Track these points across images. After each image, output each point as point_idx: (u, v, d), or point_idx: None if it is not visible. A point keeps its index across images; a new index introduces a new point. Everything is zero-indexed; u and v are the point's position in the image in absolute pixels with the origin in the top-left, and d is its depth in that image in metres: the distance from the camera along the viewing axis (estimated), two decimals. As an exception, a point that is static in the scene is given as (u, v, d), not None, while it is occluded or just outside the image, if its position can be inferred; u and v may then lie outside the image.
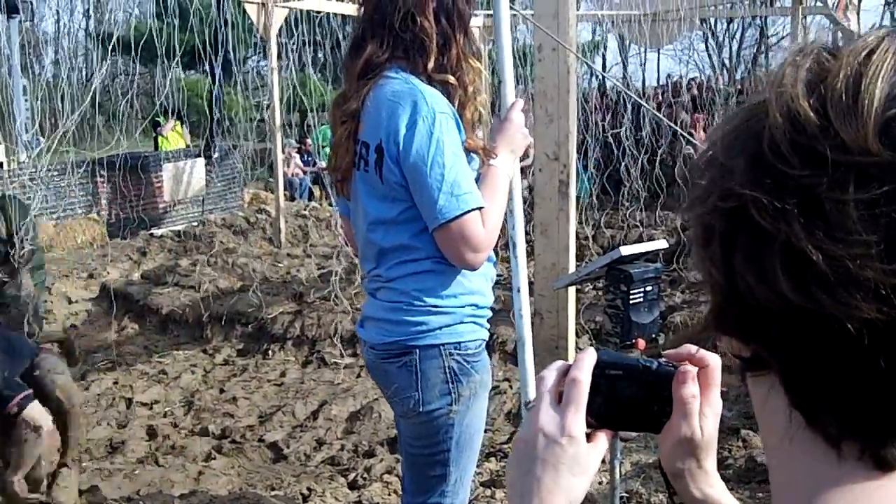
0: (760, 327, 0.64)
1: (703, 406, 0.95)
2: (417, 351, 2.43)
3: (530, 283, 6.76)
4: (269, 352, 7.56)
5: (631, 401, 0.96)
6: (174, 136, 14.52)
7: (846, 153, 0.57)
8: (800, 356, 0.62)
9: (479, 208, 2.32)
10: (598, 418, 0.95)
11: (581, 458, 0.92)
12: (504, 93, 2.73)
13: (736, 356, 0.70)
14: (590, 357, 0.96)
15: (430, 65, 2.35)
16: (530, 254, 8.34)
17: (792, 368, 0.64)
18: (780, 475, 0.71)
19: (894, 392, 0.60)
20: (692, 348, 0.95)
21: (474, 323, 2.50)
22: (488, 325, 2.60)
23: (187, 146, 14.43)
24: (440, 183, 2.26)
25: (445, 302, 2.43)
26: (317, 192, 15.65)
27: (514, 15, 3.18)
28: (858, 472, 0.64)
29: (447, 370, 2.44)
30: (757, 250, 0.61)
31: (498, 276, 2.76)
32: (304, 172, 15.67)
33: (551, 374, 0.97)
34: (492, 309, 2.61)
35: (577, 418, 0.93)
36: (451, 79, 2.38)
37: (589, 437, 0.94)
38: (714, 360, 0.95)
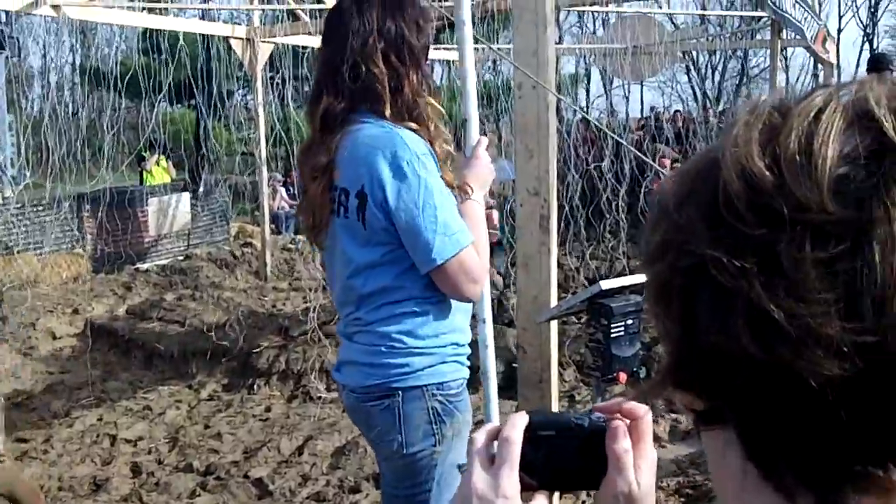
0: (720, 382, 0.64)
1: (637, 459, 0.95)
2: (400, 393, 2.42)
3: (511, 320, 6.76)
4: (255, 386, 7.53)
5: (567, 460, 0.95)
6: (159, 171, 14.54)
7: (802, 211, 0.58)
8: (759, 410, 0.63)
9: (471, 242, 2.36)
10: (536, 479, 0.95)
11: None
12: (469, 129, 2.74)
13: (691, 410, 0.70)
14: (521, 418, 0.95)
15: (387, 112, 2.35)
16: (511, 287, 8.35)
17: (750, 422, 0.64)
18: None
19: (852, 445, 0.60)
20: (621, 401, 0.95)
21: (456, 361, 2.50)
22: (468, 363, 2.60)
23: (172, 180, 14.44)
24: (434, 225, 2.28)
25: (427, 342, 2.42)
26: (303, 225, 15.64)
27: (495, 51, 3.20)
28: None
29: (430, 411, 2.43)
30: (718, 307, 0.61)
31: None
32: (290, 206, 15.70)
33: (481, 436, 0.97)
34: (471, 345, 2.62)
35: (511, 478, 0.92)
36: (413, 125, 2.38)
37: (526, 499, 0.94)
38: (644, 412, 0.95)
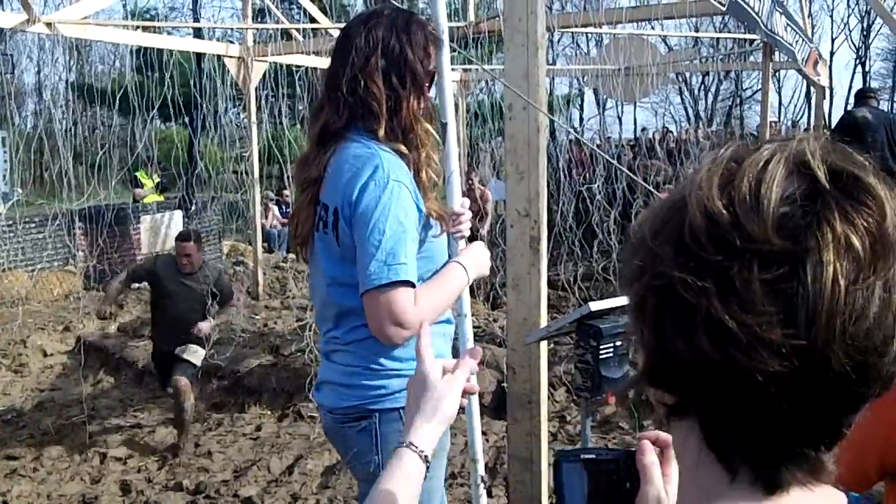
0: (685, 381, 0.80)
1: (664, 475, 1.09)
2: (377, 414, 2.42)
3: (502, 340, 6.75)
4: (245, 405, 7.52)
5: (609, 488, 1.05)
6: (151, 196, 14.51)
7: (751, 242, 0.73)
8: (716, 403, 0.78)
9: (411, 284, 2.26)
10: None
11: None
12: (448, 133, 2.72)
13: (662, 403, 0.85)
14: (467, 362, 1.18)
15: (381, 132, 2.35)
16: (500, 306, 8.33)
17: (709, 413, 0.81)
18: (684, 497, 0.88)
19: (791, 430, 0.77)
20: (658, 432, 1.10)
21: None
22: None
23: (165, 198, 14.42)
24: (376, 249, 2.23)
25: (404, 365, 2.41)
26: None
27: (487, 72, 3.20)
28: (748, 493, 0.80)
29: None
30: (684, 319, 0.76)
31: (475, 327, 2.77)
32: (283, 224, 15.69)
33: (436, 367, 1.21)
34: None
35: None
36: (403, 148, 2.37)
37: None
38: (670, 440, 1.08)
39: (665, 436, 1.08)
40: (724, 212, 0.75)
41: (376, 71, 2.35)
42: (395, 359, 2.42)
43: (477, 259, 2.58)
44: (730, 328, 0.73)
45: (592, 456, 1.05)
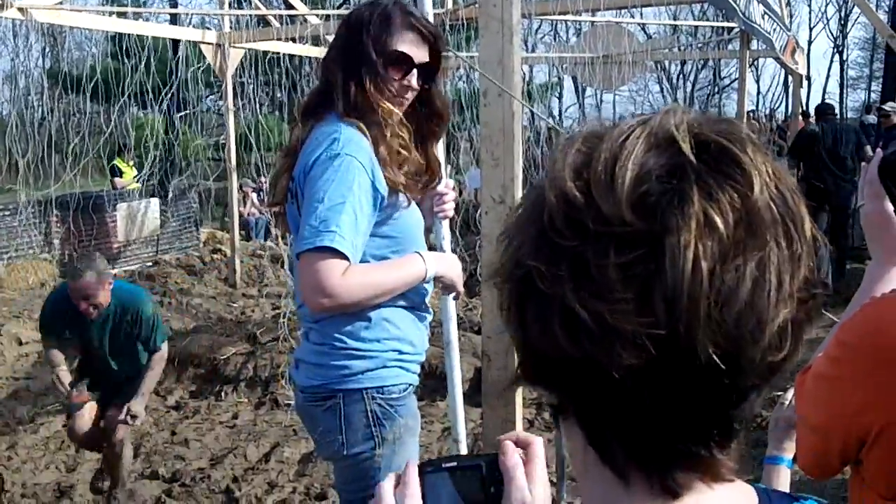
0: (555, 376, 0.75)
1: (528, 476, 0.98)
2: (341, 395, 2.44)
3: (478, 327, 6.74)
4: (222, 393, 7.50)
5: (470, 491, 0.98)
6: (129, 173, 14.43)
7: (606, 224, 0.68)
8: (587, 400, 0.73)
9: (340, 253, 2.22)
10: None
11: None
12: None
13: (548, 403, 0.81)
14: (413, 467, 0.99)
15: (340, 109, 2.42)
16: (478, 294, 8.37)
17: (583, 410, 0.75)
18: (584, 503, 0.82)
19: (665, 426, 0.71)
20: (518, 432, 1.02)
21: (399, 367, 2.51)
22: (418, 370, 2.61)
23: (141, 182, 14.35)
24: (313, 215, 2.23)
25: (368, 346, 2.44)
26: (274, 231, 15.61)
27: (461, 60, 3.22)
28: (646, 500, 0.74)
29: (370, 414, 2.45)
30: (541, 311, 0.71)
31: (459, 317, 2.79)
32: (261, 212, 15.63)
33: (388, 485, 0.99)
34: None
35: None
36: (361, 125, 2.41)
37: None
38: (535, 440, 0.99)
39: (525, 435, 1.01)
40: (579, 193, 0.70)
41: (336, 57, 2.49)
42: (358, 339, 2.44)
43: (445, 260, 2.63)
44: (582, 318, 0.67)
45: (454, 464, 0.98)
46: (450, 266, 2.63)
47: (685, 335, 0.66)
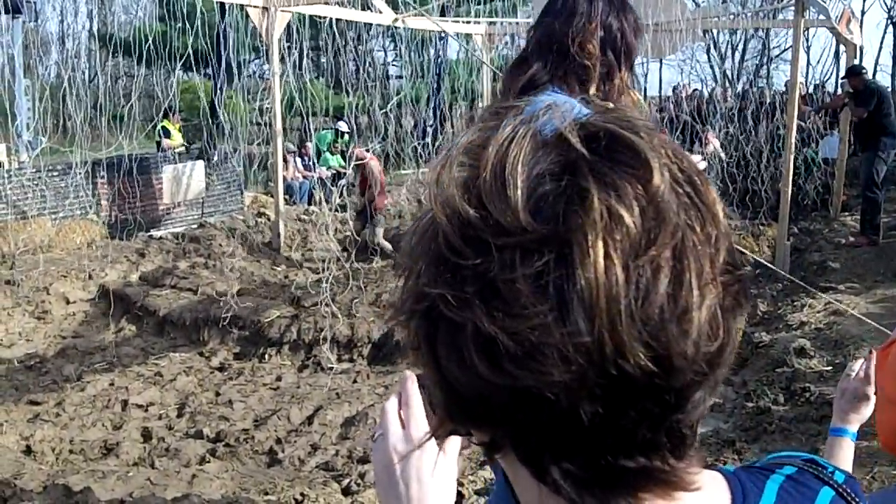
0: (483, 412, 0.66)
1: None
2: None
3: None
4: (266, 356, 7.56)
5: None
6: (175, 133, 14.53)
7: (507, 235, 0.62)
8: (521, 430, 0.65)
9: None
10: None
11: (439, 463, 0.97)
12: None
13: (479, 443, 0.72)
14: (412, 380, 0.99)
15: (592, 91, 2.35)
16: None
17: (520, 442, 0.67)
18: None
19: (610, 443, 0.64)
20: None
21: None
22: None
23: (188, 150, 14.44)
24: None
25: None
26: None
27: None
28: None
29: None
30: (453, 341, 0.64)
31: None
32: (304, 176, 15.65)
33: (392, 403, 1.00)
34: None
35: (419, 424, 0.97)
36: (610, 105, 2.39)
37: (442, 436, 0.96)
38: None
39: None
40: (471, 208, 0.63)
41: (596, 38, 2.37)
42: None
43: None
44: (500, 341, 0.61)
45: None
46: None
47: (610, 339, 0.60)
